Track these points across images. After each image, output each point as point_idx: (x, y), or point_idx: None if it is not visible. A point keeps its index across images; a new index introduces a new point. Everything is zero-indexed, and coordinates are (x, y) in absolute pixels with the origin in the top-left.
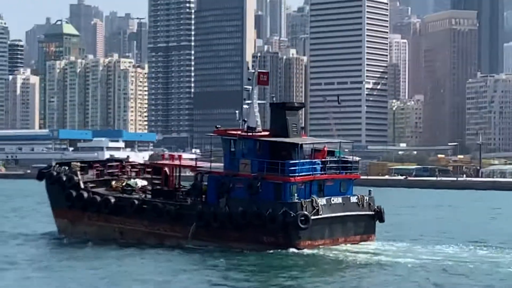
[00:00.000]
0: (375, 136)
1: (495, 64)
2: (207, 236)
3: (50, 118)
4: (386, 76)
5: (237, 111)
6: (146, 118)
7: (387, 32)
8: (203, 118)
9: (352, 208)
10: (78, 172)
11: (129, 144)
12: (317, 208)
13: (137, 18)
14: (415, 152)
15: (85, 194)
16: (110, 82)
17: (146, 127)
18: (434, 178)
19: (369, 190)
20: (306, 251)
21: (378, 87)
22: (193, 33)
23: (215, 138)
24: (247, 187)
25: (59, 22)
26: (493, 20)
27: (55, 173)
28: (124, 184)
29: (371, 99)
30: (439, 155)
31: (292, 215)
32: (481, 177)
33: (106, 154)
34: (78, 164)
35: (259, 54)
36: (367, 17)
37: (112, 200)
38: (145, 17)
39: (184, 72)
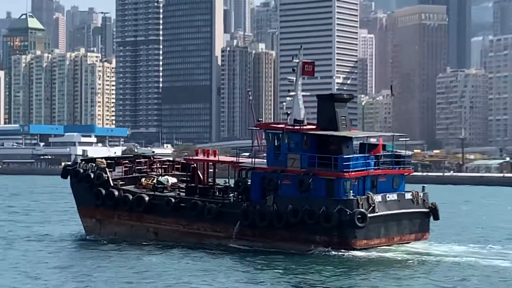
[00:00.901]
0: None
1: (462, 59)
2: (253, 235)
3: (16, 113)
4: (356, 71)
5: (284, 103)
6: (113, 113)
7: (356, 27)
8: (171, 113)
9: (407, 205)
10: (107, 169)
11: (100, 139)
12: (373, 205)
13: (102, 13)
14: None
15: (116, 192)
16: (77, 76)
17: (114, 122)
18: (421, 173)
19: (423, 186)
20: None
21: (348, 82)
22: (161, 27)
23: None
24: (297, 184)
25: (23, 16)
26: (461, 15)
27: (81, 170)
28: (155, 181)
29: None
30: (416, 150)
31: (348, 212)
32: (466, 172)
33: (78, 149)
34: (104, 160)
35: (228, 49)
36: (337, 12)
37: (146, 198)
38: (110, 11)
39: (152, 67)
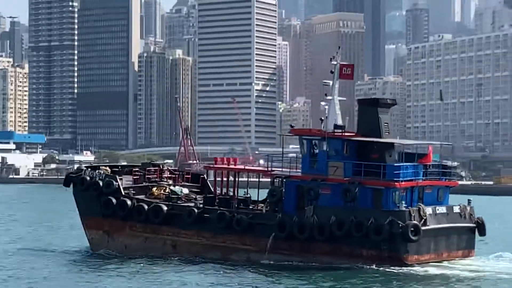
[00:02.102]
0: (264, 138)
1: (377, 66)
2: (289, 249)
3: None
4: (274, 78)
5: (323, 103)
6: (26, 119)
7: (275, 34)
8: (87, 119)
9: (456, 220)
10: (118, 177)
11: (18, 146)
12: (424, 218)
13: (10, 17)
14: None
15: (128, 202)
16: None
17: (27, 128)
18: None
19: (468, 200)
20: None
21: (267, 88)
22: (76, 32)
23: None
24: (341, 193)
25: None
26: (375, 23)
27: (88, 178)
28: (168, 191)
29: (260, 100)
30: None
31: (400, 225)
32: None
33: None
34: (108, 168)
35: (145, 55)
36: (256, 18)
37: (165, 208)
38: (19, 15)
39: (67, 72)
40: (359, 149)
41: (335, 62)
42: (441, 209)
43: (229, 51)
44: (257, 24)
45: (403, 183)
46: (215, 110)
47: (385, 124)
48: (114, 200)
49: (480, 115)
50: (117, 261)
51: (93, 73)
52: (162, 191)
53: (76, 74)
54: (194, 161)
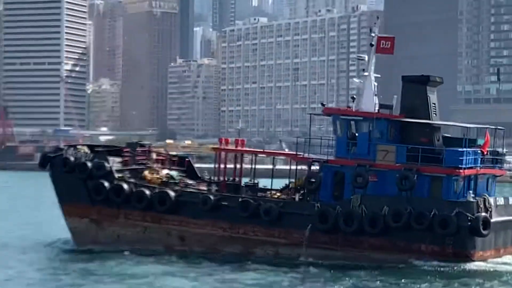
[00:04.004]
0: (74, 120)
1: (186, 49)
2: (330, 243)
3: None
4: (85, 58)
5: (355, 79)
6: None
7: (85, 12)
8: None
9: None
10: (110, 159)
11: None
12: (490, 210)
13: None
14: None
15: (125, 186)
16: None
17: None
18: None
19: None
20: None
21: (77, 69)
22: None
23: None
24: (397, 181)
25: None
26: (184, 4)
27: (72, 158)
28: (164, 175)
29: (69, 81)
30: (187, 141)
31: (469, 217)
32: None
33: None
34: (86, 148)
35: None
36: None
37: (172, 194)
38: None
39: None
40: (404, 132)
41: (373, 34)
42: (500, 201)
43: (37, 29)
44: (67, 2)
45: (466, 170)
46: (23, 90)
47: (433, 105)
48: (107, 184)
49: (297, 100)
50: (106, 255)
51: None
52: (156, 175)
53: None
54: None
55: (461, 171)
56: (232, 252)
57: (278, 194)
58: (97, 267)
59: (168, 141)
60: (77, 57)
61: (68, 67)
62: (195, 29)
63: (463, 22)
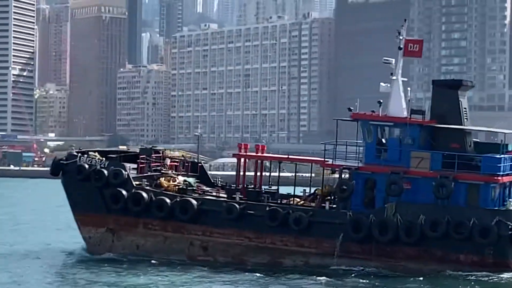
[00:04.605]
0: (21, 125)
1: (134, 54)
2: (363, 253)
3: None
4: (32, 63)
5: (383, 84)
6: None
7: (33, 17)
8: None
9: None
10: (126, 166)
11: None
12: None
13: None
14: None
15: (144, 195)
16: None
17: None
18: None
19: None
20: None
21: (25, 73)
22: None
23: None
24: (433, 189)
25: None
26: (132, 9)
27: (86, 166)
28: (181, 182)
29: (17, 86)
30: (121, 147)
31: (510, 226)
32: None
33: None
34: (97, 155)
35: None
36: (14, 0)
37: (194, 202)
38: None
39: None
40: (436, 137)
41: (401, 37)
42: None
43: None
44: (15, 6)
45: (504, 177)
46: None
47: (465, 110)
48: (125, 193)
49: (248, 106)
50: (124, 266)
51: None
52: (171, 182)
53: None
54: None
55: (499, 178)
56: (259, 263)
57: (302, 201)
58: (111, 278)
59: (121, 147)
60: (24, 61)
61: (16, 71)
62: (142, 34)
63: (414, 30)
